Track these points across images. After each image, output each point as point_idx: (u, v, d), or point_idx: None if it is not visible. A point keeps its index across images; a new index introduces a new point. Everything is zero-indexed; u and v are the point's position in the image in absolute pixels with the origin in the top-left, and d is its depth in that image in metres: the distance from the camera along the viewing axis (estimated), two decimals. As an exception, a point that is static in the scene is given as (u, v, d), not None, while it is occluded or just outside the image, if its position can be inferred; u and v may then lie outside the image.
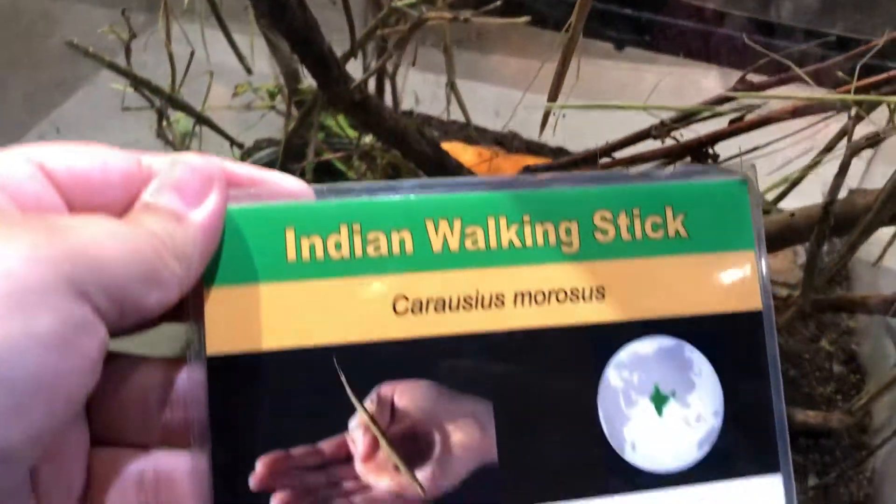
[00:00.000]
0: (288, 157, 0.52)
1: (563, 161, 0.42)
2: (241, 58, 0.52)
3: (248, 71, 0.54)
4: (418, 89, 0.65)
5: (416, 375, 0.22)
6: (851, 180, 0.37)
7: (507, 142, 0.70)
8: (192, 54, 0.49)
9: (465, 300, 0.22)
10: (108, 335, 0.18)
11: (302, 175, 0.47)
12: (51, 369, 0.16)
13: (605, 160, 0.39)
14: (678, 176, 0.24)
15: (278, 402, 0.21)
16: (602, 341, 0.23)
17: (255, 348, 0.21)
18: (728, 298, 0.24)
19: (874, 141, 0.34)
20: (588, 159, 0.40)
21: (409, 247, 0.22)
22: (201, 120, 0.53)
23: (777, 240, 0.46)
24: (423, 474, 0.22)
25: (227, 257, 0.21)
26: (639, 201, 0.24)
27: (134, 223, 0.20)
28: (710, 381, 0.23)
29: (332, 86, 0.38)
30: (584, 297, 0.23)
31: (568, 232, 0.23)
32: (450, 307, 0.22)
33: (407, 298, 0.22)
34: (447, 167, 0.44)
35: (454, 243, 0.23)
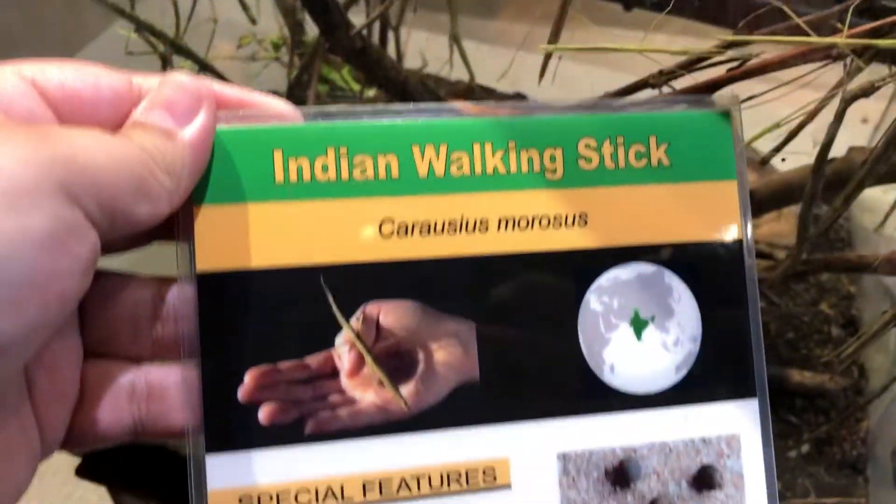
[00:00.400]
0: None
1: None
2: (245, 8, 0.53)
3: (253, 21, 0.54)
4: (424, 48, 0.65)
5: (401, 296, 0.23)
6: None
7: (511, 100, 0.70)
8: (195, 2, 0.50)
9: (449, 224, 0.23)
10: (100, 243, 0.19)
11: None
12: (44, 268, 0.17)
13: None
14: (663, 106, 0.24)
15: (266, 319, 0.22)
16: (584, 267, 0.24)
17: (244, 266, 0.22)
18: (709, 227, 0.24)
19: (869, 90, 0.34)
20: (587, 108, 0.40)
21: (394, 171, 0.23)
22: (205, 67, 0.53)
23: (774, 199, 0.46)
24: (406, 390, 0.22)
25: (215, 177, 0.22)
26: (623, 130, 0.24)
27: (125, 138, 0.20)
28: (689, 307, 0.24)
29: (333, 32, 0.38)
30: (566, 224, 0.24)
31: (552, 159, 0.24)
32: (435, 231, 0.23)
33: (392, 222, 0.23)
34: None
35: (440, 168, 0.23)
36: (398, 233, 0.23)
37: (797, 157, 0.43)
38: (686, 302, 0.24)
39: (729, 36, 0.35)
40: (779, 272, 0.45)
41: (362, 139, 0.23)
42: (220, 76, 0.56)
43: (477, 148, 0.23)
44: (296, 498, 0.22)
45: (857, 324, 0.57)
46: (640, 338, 0.24)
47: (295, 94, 0.53)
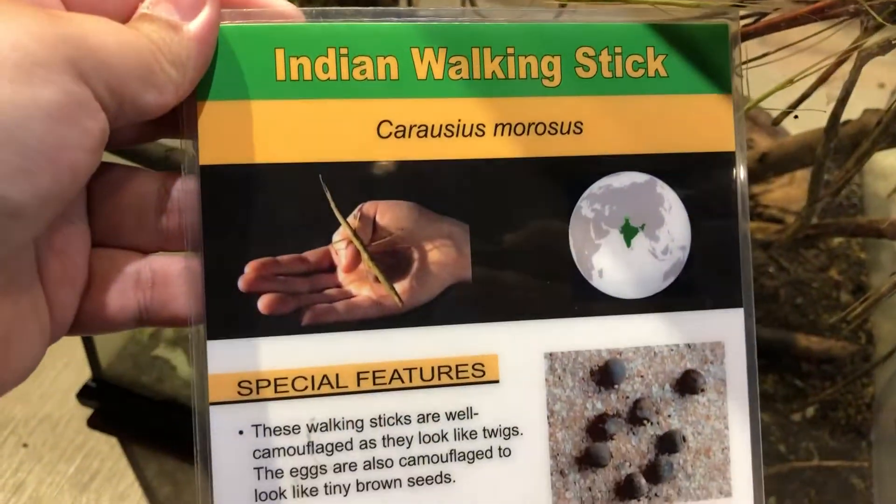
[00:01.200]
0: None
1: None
2: None
3: None
4: None
5: (398, 196, 0.23)
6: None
7: None
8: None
9: (447, 127, 0.23)
10: (108, 126, 0.20)
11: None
12: (55, 139, 0.18)
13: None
14: (663, 18, 0.25)
15: (267, 213, 0.23)
16: (577, 174, 0.24)
17: (246, 160, 0.23)
18: (702, 138, 0.25)
19: (887, 47, 0.33)
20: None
21: (394, 73, 0.23)
22: None
23: (786, 161, 0.46)
24: (400, 287, 0.23)
25: (219, 73, 0.22)
26: (621, 40, 0.24)
27: (132, 28, 0.21)
28: (679, 216, 0.25)
29: None
30: (562, 131, 0.24)
31: (550, 66, 0.24)
32: (432, 133, 0.23)
33: (391, 123, 0.23)
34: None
35: (438, 71, 0.23)
36: (396, 134, 0.23)
37: (811, 115, 0.42)
38: (676, 211, 0.25)
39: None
40: (789, 232, 0.45)
41: (363, 40, 0.23)
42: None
43: (476, 52, 0.24)
44: (293, 384, 0.23)
45: (866, 290, 0.56)
46: (629, 245, 0.24)
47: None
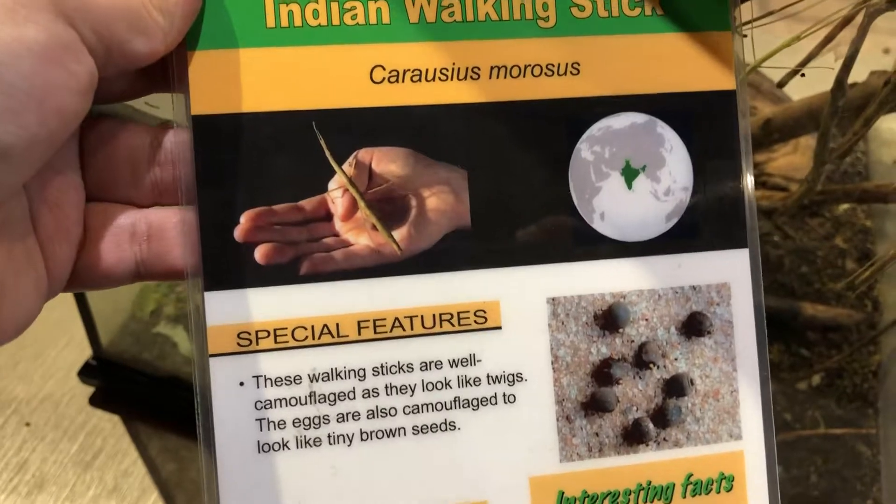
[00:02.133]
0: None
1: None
2: None
3: None
4: None
5: (394, 143, 0.23)
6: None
7: None
8: None
9: (441, 72, 0.23)
10: (97, 71, 0.19)
11: None
12: (41, 79, 0.18)
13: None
14: (658, -46, 0.24)
15: (261, 162, 0.22)
16: (575, 116, 0.24)
17: (238, 110, 0.22)
18: (702, 77, 0.24)
19: (894, 3, 0.33)
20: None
21: (385, 16, 0.23)
22: None
23: (791, 126, 0.45)
24: (399, 234, 0.23)
25: (208, 22, 0.22)
26: (617, -22, 0.24)
27: None
28: (680, 156, 0.24)
29: None
30: (558, 72, 0.24)
31: (545, 7, 0.23)
32: (426, 78, 0.23)
33: (384, 68, 0.23)
34: None
35: (431, 14, 0.23)
36: (389, 79, 0.23)
37: (816, 79, 0.41)
38: (678, 152, 0.24)
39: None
40: (795, 197, 0.44)
41: None
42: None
43: (469, -5, 0.23)
44: (293, 334, 0.22)
45: (872, 258, 0.55)
46: (630, 187, 0.24)
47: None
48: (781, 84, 0.42)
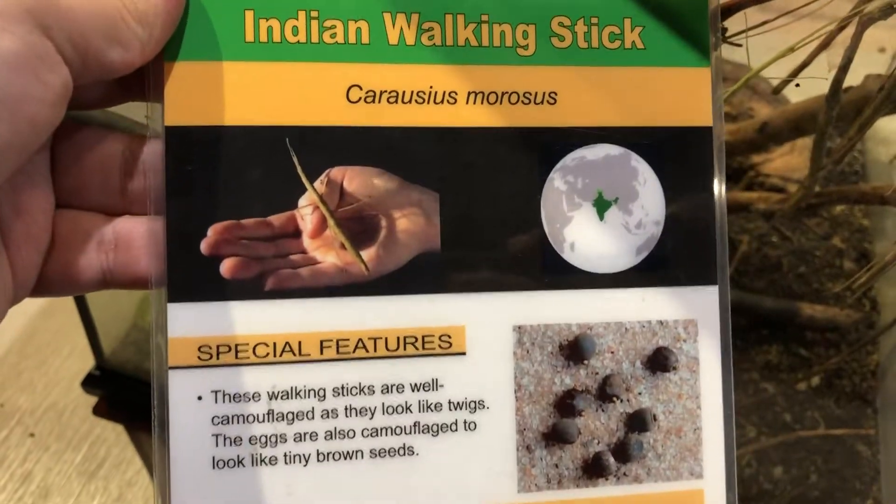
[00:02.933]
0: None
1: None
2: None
3: None
4: None
5: (367, 162, 0.23)
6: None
7: None
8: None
9: (418, 94, 0.23)
10: (72, 80, 0.19)
11: None
12: (14, 89, 0.18)
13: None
14: (641, -11, 0.24)
15: (232, 176, 0.22)
16: (550, 145, 0.24)
17: (212, 122, 0.22)
18: (678, 112, 0.24)
19: (889, 11, 0.33)
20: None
21: (365, 37, 0.23)
22: None
23: (788, 129, 0.45)
24: (367, 254, 0.23)
25: (188, 34, 0.22)
26: (598, 10, 0.24)
27: None
28: (653, 190, 0.24)
29: None
30: (535, 101, 0.24)
31: (525, 35, 0.24)
32: (403, 100, 0.23)
33: (360, 88, 0.23)
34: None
35: (410, 37, 0.23)
36: (366, 99, 0.23)
37: (812, 84, 0.42)
38: (651, 185, 0.24)
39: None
40: (792, 202, 0.44)
41: (334, 3, 0.23)
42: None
43: (449, 19, 0.23)
44: (254, 350, 0.22)
45: (870, 257, 0.56)
46: (602, 218, 0.24)
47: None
48: (776, 91, 0.42)
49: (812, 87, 0.40)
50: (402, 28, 0.23)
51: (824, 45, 0.37)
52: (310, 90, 0.23)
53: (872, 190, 0.44)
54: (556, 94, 0.24)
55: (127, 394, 0.51)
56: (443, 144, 0.23)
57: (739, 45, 0.31)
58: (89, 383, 0.51)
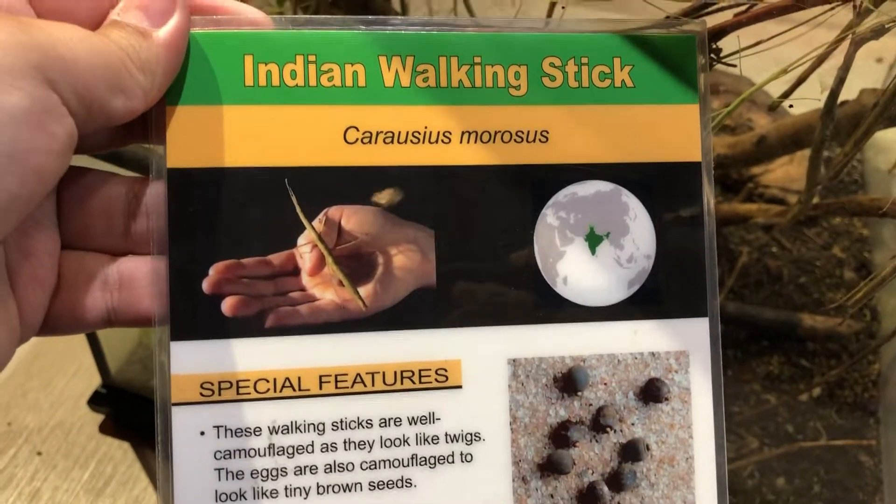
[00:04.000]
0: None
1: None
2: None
3: None
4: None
5: (364, 201, 0.24)
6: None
7: None
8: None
9: (413, 134, 0.24)
10: (77, 130, 0.20)
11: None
12: (22, 143, 0.18)
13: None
14: (630, 28, 0.25)
15: (233, 216, 0.23)
16: (543, 181, 0.24)
17: (213, 164, 0.23)
18: (668, 148, 0.25)
19: (880, 32, 0.33)
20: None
21: (361, 80, 0.24)
22: None
23: (786, 143, 0.45)
24: (365, 291, 0.23)
25: (189, 79, 0.23)
26: (588, 50, 0.24)
27: (102, 35, 0.21)
28: (644, 225, 0.25)
29: None
30: (528, 139, 0.24)
31: (517, 75, 0.24)
32: (398, 140, 0.24)
33: (357, 129, 0.24)
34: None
35: (406, 79, 0.24)
36: (363, 140, 0.24)
37: (813, 92, 0.42)
38: (642, 220, 0.25)
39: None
40: (789, 218, 0.44)
41: (331, 47, 0.23)
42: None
43: (443, 61, 0.24)
44: (255, 386, 0.23)
45: (869, 267, 0.56)
46: (594, 252, 0.25)
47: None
48: (772, 108, 0.42)
49: (812, 95, 0.40)
50: (397, 70, 0.24)
51: (815, 66, 0.37)
52: (308, 132, 0.23)
53: (870, 202, 0.44)
54: (547, 132, 0.24)
55: (133, 411, 0.52)
56: (438, 182, 0.24)
57: (734, 66, 0.32)
58: (96, 401, 0.52)
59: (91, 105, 0.20)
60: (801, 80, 0.42)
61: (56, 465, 0.54)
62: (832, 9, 0.36)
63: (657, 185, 0.25)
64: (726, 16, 0.37)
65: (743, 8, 0.37)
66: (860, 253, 0.57)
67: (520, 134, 0.24)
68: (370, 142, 0.24)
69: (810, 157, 0.39)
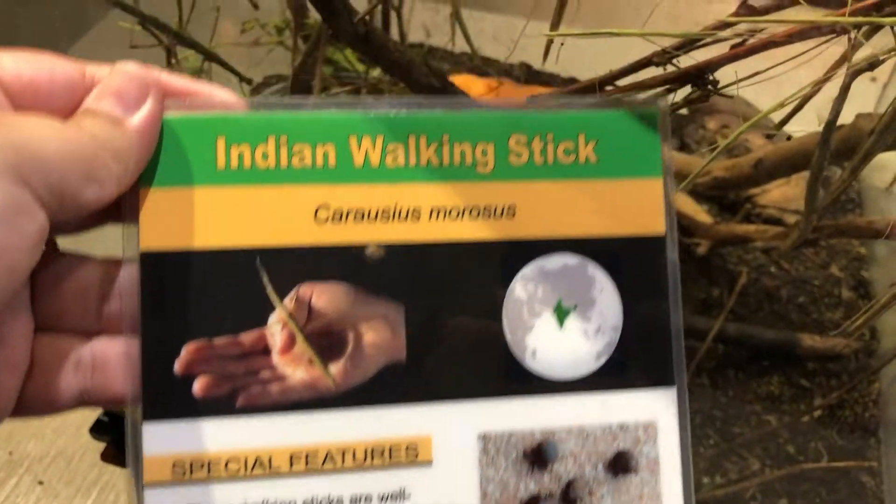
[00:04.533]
0: (296, 91, 0.53)
1: (565, 90, 0.42)
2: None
3: (255, 6, 0.54)
4: (428, 22, 0.66)
5: (334, 279, 0.24)
6: (867, 107, 0.35)
7: (516, 72, 0.69)
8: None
9: (383, 212, 0.24)
10: (48, 222, 0.20)
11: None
12: None
13: (608, 88, 0.39)
14: (594, 105, 0.26)
15: (204, 297, 0.23)
16: (510, 256, 0.25)
17: (185, 246, 0.23)
18: (632, 222, 0.25)
19: (874, 63, 0.34)
20: (590, 88, 0.40)
21: (332, 160, 0.24)
22: (210, 57, 0.54)
23: (784, 166, 0.46)
24: (335, 368, 0.24)
25: (162, 162, 0.23)
26: (553, 128, 0.25)
27: (75, 125, 0.22)
28: (611, 298, 0.25)
29: (335, 19, 0.39)
30: (495, 215, 0.25)
31: (484, 153, 0.25)
32: (368, 218, 0.24)
33: (328, 208, 0.24)
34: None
35: (375, 159, 0.24)
36: (333, 218, 0.24)
37: (809, 119, 0.41)
38: (608, 293, 0.25)
39: (737, 18, 0.35)
40: (787, 244, 0.44)
41: (302, 129, 0.24)
42: (225, 65, 0.57)
43: (412, 140, 0.24)
44: (226, 466, 0.23)
45: (867, 285, 0.57)
46: (562, 325, 0.25)
47: (300, 77, 0.54)
48: (769, 136, 0.42)
49: (809, 120, 0.41)
50: (367, 150, 0.24)
51: (809, 97, 0.37)
52: (279, 212, 0.24)
53: (867, 224, 0.44)
54: (515, 207, 0.25)
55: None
56: (407, 258, 0.24)
57: (731, 98, 0.32)
58: (97, 430, 0.52)
59: (63, 196, 0.20)
60: (797, 109, 0.42)
61: (58, 493, 0.53)
62: (826, 41, 0.37)
63: (622, 258, 0.25)
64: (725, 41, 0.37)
65: (738, 41, 0.38)
66: (857, 271, 0.58)
67: (487, 210, 0.25)
68: (340, 220, 0.24)
69: (808, 184, 0.39)
